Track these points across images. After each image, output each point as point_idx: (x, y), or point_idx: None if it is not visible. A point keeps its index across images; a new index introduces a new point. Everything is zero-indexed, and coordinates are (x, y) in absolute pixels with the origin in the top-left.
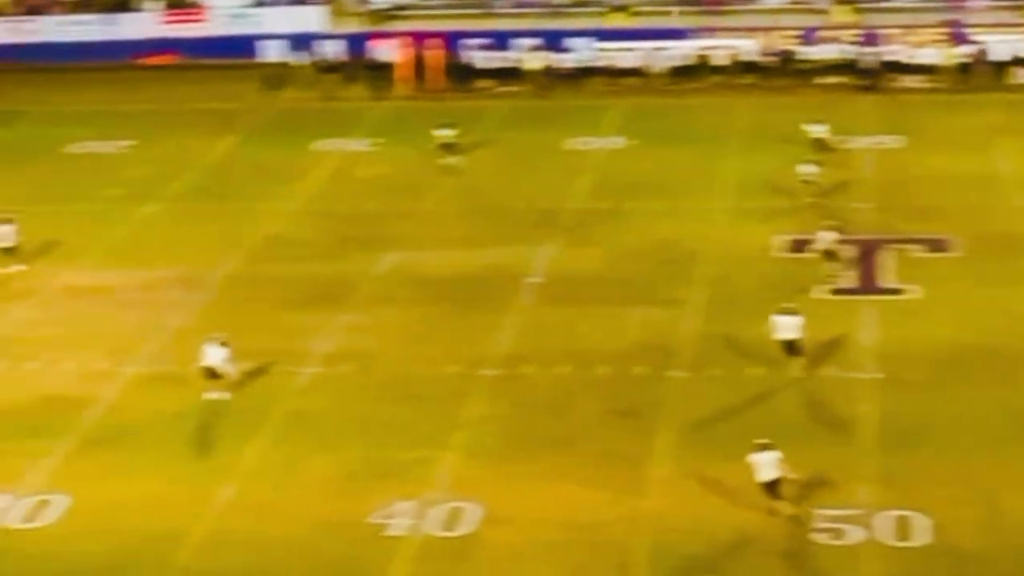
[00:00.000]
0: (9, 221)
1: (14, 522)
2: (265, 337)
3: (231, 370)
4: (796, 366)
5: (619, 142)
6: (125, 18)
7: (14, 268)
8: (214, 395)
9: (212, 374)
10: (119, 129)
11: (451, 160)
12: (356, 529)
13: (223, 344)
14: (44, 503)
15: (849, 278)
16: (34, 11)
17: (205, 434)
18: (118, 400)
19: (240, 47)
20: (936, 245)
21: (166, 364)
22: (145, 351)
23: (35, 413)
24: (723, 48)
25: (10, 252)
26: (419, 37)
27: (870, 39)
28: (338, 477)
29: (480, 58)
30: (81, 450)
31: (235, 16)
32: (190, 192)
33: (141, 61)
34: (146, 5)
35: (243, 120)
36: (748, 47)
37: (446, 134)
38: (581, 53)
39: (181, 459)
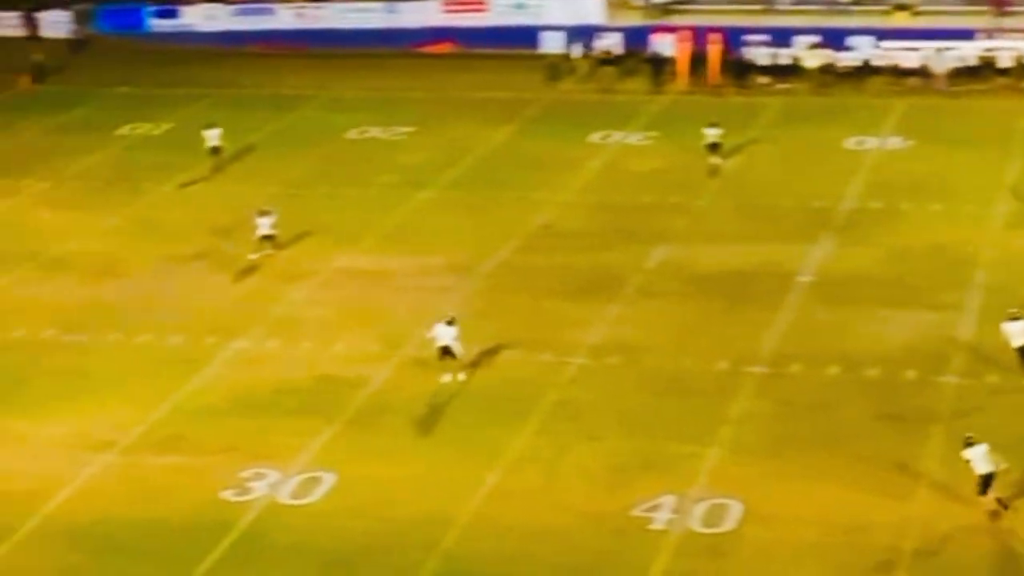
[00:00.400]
0: (267, 213)
1: (284, 498)
2: (534, 326)
3: (460, 349)
4: None
5: (897, 142)
6: (406, 6)
7: (263, 253)
8: (447, 378)
9: (446, 352)
10: (398, 116)
11: (715, 160)
12: (619, 521)
13: (451, 323)
14: (312, 480)
15: None
16: None
17: (435, 414)
18: (387, 383)
19: (519, 37)
20: None
21: (434, 349)
22: (416, 336)
23: (307, 392)
24: (1009, 49)
25: (269, 239)
26: (699, 32)
27: None
28: (602, 468)
29: (759, 54)
30: (350, 430)
31: (515, 6)
32: (466, 180)
33: (421, 49)
34: None
35: (520, 110)
36: None
37: (712, 133)
38: (861, 52)
39: (448, 443)
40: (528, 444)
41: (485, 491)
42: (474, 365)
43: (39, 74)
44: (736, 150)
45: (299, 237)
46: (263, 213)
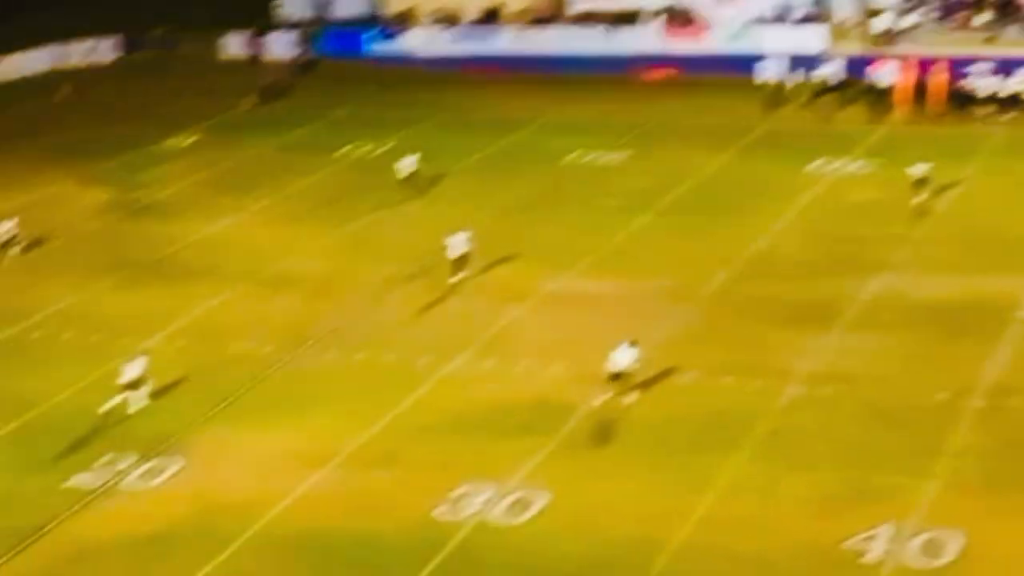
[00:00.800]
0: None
1: (496, 517)
2: (749, 353)
3: (636, 372)
4: None
5: None
6: (627, 32)
7: (460, 276)
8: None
9: (617, 376)
10: (616, 140)
11: (921, 198)
12: (831, 552)
13: (633, 344)
14: (525, 500)
15: None
16: (539, 22)
17: (605, 432)
18: (602, 407)
19: (739, 65)
20: None
21: (651, 374)
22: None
23: (522, 413)
24: None
25: (462, 260)
26: (921, 62)
27: None
28: (816, 498)
29: (982, 85)
30: (563, 452)
31: (735, 34)
32: (684, 205)
33: (640, 74)
34: (646, 20)
35: (738, 137)
36: None
37: (920, 170)
38: None
39: (661, 467)
40: (741, 471)
41: (697, 517)
42: (690, 390)
43: (268, 95)
44: (957, 181)
45: (515, 259)
46: (455, 236)
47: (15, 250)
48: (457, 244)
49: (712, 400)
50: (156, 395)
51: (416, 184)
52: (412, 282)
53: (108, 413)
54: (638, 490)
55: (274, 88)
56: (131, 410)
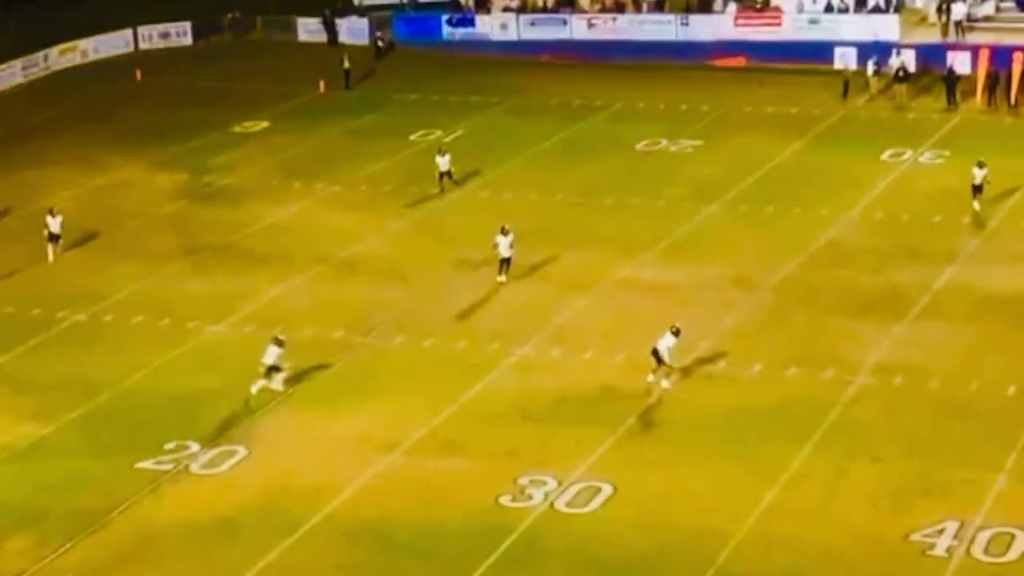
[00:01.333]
0: (506, 232)
1: (561, 505)
2: (817, 343)
3: (671, 359)
4: None
5: None
6: (700, 20)
7: (504, 277)
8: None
9: (657, 358)
10: (688, 129)
11: (977, 206)
12: (897, 545)
13: (675, 333)
14: (590, 489)
15: None
16: (615, 9)
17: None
18: (668, 396)
19: (813, 52)
20: None
21: (717, 364)
22: (697, 349)
23: (589, 401)
24: None
25: (507, 264)
26: (996, 51)
27: None
28: (882, 491)
29: None
30: (629, 441)
31: (810, 22)
32: (754, 194)
33: (713, 62)
34: (720, 8)
35: (811, 126)
36: None
37: (980, 174)
38: None
39: (727, 457)
40: (808, 462)
41: (762, 508)
42: (756, 380)
43: (347, 80)
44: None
45: (583, 247)
46: (504, 232)
47: (54, 249)
48: (504, 245)
49: (779, 390)
50: (224, 382)
51: (447, 183)
52: (481, 268)
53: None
54: (703, 481)
55: (355, 73)
56: (258, 388)
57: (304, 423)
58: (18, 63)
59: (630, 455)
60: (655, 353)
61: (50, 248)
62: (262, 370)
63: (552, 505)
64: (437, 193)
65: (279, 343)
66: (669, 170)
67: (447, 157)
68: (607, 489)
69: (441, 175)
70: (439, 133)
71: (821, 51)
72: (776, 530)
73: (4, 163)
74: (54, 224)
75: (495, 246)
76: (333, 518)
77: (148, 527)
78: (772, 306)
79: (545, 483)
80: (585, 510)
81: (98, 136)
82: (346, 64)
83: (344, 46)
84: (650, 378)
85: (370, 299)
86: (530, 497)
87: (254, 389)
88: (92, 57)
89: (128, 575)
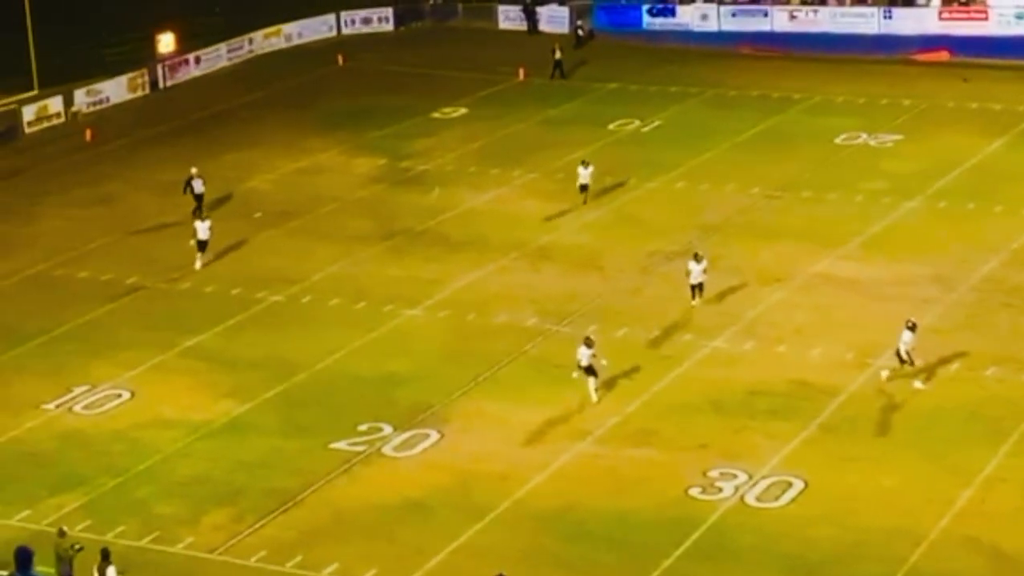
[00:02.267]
0: (698, 258)
1: (751, 499)
2: (1017, 344)
3: (911, 357)
4: None
5: None
6: (903, 13)
7: (697, 302)
8: (917, 384)
9: (900, 359)
10: (887, 123)
11: None
12: None
13: (911, 328)
14: (781, 484)
15: None
16: (817, 1)
17: (909, 426)
18: (861, 391)
19: (1019, 48)
20: None
21: (916, 361)
22: (893, 346)
23: (781, 396)
24: None
25: (699, 290)
26: None
27: None
28: None
29: None
30: (822, 437)
31: (1017, 16)
32: (954, 191)
33: (915, 56)
34: (924, 1)
35: (1015, 123)
36: None
37: None
38: None
39: (921, 456)
40: (1005, 463)
41: (957, 508)
42: (953, 380)
43: (559, 70)
44: None
45: (779, 239)
46: (697, 259)
47: (202, 258)
48: (697, 271)
49: (977, 389)
50: (418, 366)
51: (586, 194)
52: (674, 260)
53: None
54: (896, 479)
55: (563, 63)
56: (594, 398)
57: (496, 409)
58: (223, 46)
59: (822, 451)
60: (897, 354)
61: (199, 258)
62: (576, 375)
63: (742, 499)
64: (580, 205)
65: (589, 343)
66: (868, 164)
67: (590, 170)
68: (798, 484)
69: (582, 187)
70: (637, 123)
71: None
72: (970, 532)
73: (209, 145)
74: (203, 229)
75: (687, 273)
76: (523, 504)
77: (340, 507)
78: (971, 305)
79: (735, 476)
80: (775, 505)
81: (299, 120)
82: (557, 54)
83: (555, 36)
84: (884, 374)
85: (564, 287)
86: (720, 490)
87: (575, 374)
88: (295, 41)
89: (318, 553)
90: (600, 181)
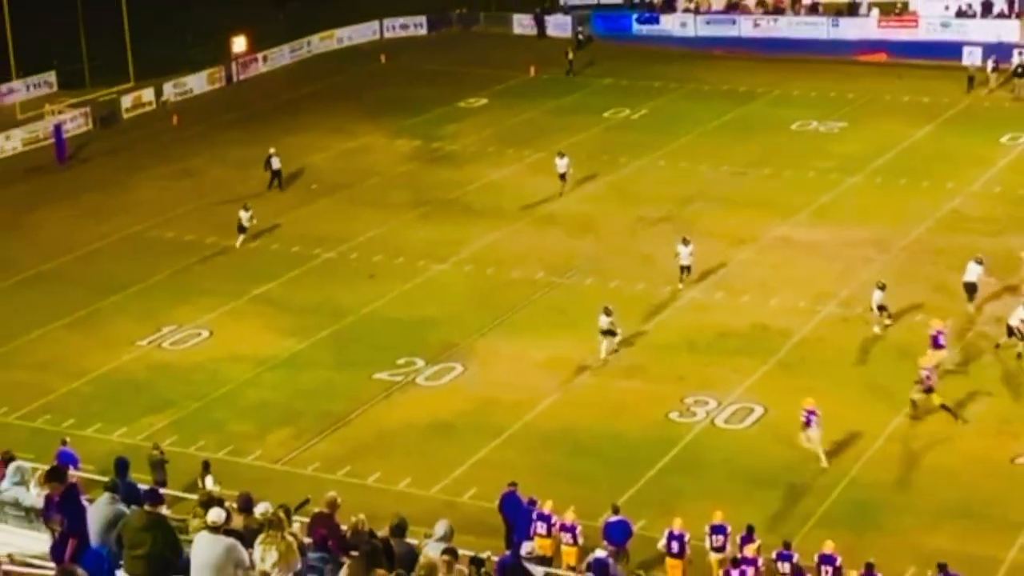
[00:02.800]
0: (686, 242)
1: (720, 422)
2: (940, 295)
3: (879, 315)
4: None
5: None
6: (847, 21)
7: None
8: (876, 330)
9: (882, 309)
10: (835, 113)
11: None
12: (1004, 467)
13: (881, 288)
14: (744, 410)
15: None
16: (776, 12)
17: (850, 362)
18: (812, 333)
19: (943, 51)
20: None
21: (854, 309)
22: (838, 296)
23: (745, 337)
24: None
25: (687, 271)
26: None
27: None
28: (994, 421)
29: None
30: (778, 371)
31: (942, 24)
32: (889, 169)
33: (857, 58)
34: (865, 12)
35: (940, 113)
36: None
37: None
38: None
39: (859, 387)
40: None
41: (888, 431)
42: (890, 324)
43: (571, 68)
44: None
45: (745, 208)
46: (685, 242)
47: (242, 238)
48: (684, 253)
49: (906, 333)
50: (446, 311)
51: (565, 183)
52: (660, 224)
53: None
54: (839, 407)
55: (577, 63)
56: (602, 355)
57: (511, 347)
58: (286, 47)
59: (779, 383)
60: (881, 308)
61: (240, 237)
62: (603, 329)
63: (712, 422)
64: (557, 195)
65: (608, 312)
66: (818, 147)
67: (566, 160)
68: (759, 410)
69: (561, 175)
70: (627, 112)
71: (951, 50)
72: (898, 450)
73: (273, 130)
74: (245, 218)
75: (676, 255)
76: (532, 425)
77: (381, 427)
78: (903, 263)
79: (707, 403)
80: (740, 427)
81: (348, 108)
82: (570, 56)
83: (566, 40)
84: (876, 330)
85: (567, 248)
86: (694, 414)
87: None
88: (345, 43)
89: (363, 464)
90: (596, 159)
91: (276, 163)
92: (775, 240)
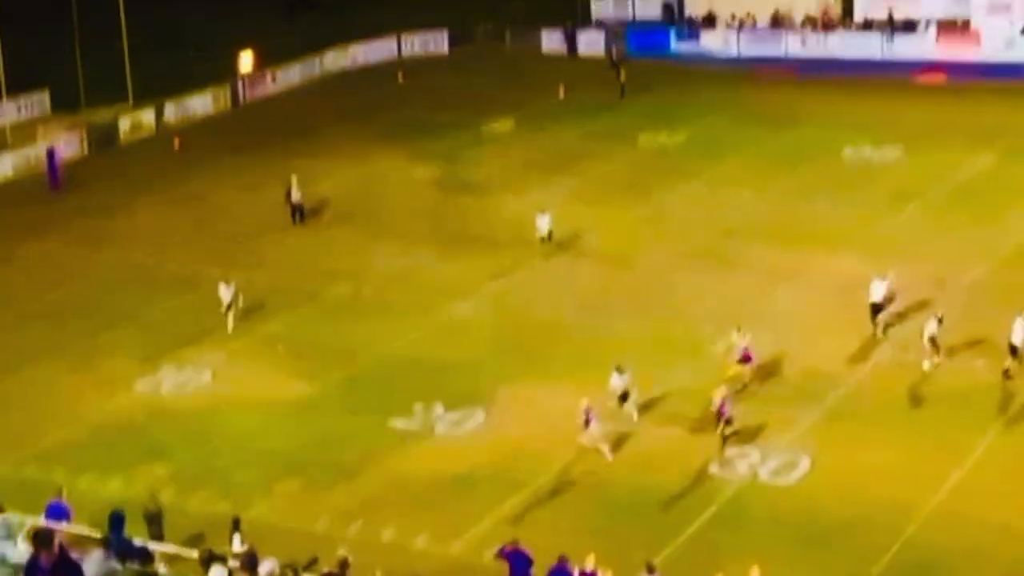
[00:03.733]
0: (883, 276)
1: (764, 476)
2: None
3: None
4: None
5: None
6: (903, 39)
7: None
8: (925, 365)
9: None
10: (890, 137)
11: None
12: None
13: (939, 320)
14: (791, 462)
15: None
16: (825, 28)
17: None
18: (866, 378)
19: (1007, 72)
20: None
21: (909, 353)
22: (892, 339)
23: (791, 382)
24: None
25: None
26: None
27: None
28: None
29: None
30: (828, 419)
31: (1006, 43)
32: (948, 199)
33: (914, 78)
34: (923, 28)
35: (1002, 138)
36: None
37: None
38: None
39: (919, 437)
40: (993, 445)
41: (949, 486)
42: (946, 369)
43: (622, 90)
44: None
45: (791, 241)
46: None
47: (232, 314)
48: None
49: (967, 379)
50: (467, 353)
51: (549, 242)
52: (701, 258)
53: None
54: (896, 458)
55: (625, 86)
56: (634, 417)
57: (537, 393)
58: (297, 66)
59: (828, 433)
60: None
61: (228, 317)
62: (618, 394)
63: (756, 475)
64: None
65: (620, 370)
66: (871, 175)
67: (547, 217)
68: (805, 463)
69: (544, 236)
70: (664, 136)
71: (1016, 71)
72: (961, 507)
73: (282, 154)
74: (227, 295)
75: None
76: (560, 477)
77: (396, 478)
78: (964, 303)
79: (749, 455)
80: (786, 481)
81: (363, 131)
82: (622, 78)
83: (617, 59)
84: (925, 365)
85: (598, 283)
86: (736, 467)
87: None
88: (361, 61)
89: (376, 520)
90: (631, 187)
91: (296, 196)
92: (825, 275)
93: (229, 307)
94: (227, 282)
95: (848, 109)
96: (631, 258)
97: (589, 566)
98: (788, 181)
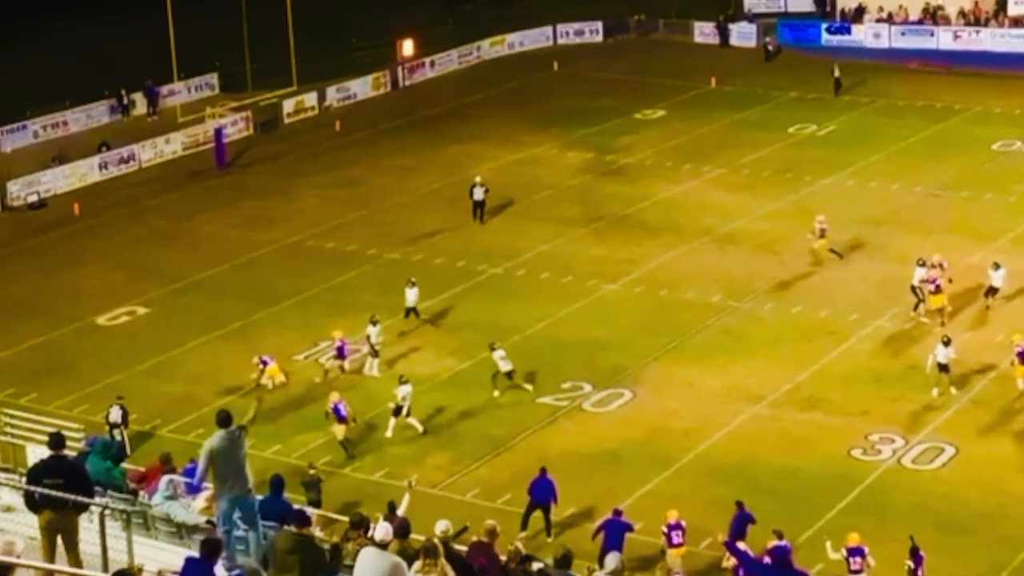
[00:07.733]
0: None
1: (907, 462)
2: None
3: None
4: None
5: None
6: None
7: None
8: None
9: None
10: None
11: None
12: None
13: (947, 344)
14: (934, 449)
15: None
16: (977, 23)
17: None
18: (1008, 370)
19: None
20: None
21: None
22: None
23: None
24: None
25: (994, 291)
26: None
27: None
28: None
29: None
30: (971, 409)
31: None
32: None
33: None
34: None
35: None
36: None
37: None
38: None
39: None
40: None
41: None
42: None
43: (836, 88)
44: None
45: (938, 233)
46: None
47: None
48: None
49: None
50: (615, 333)
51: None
52: (846, 247)
53: None
54: None
55: (841, 80)
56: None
57: (682, 373)
58: (455, 52)
59: (972, 421)
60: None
61: (373, 362)
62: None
63: (899, 461)
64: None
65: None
66: (1021, 169)
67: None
68: (949, 450)
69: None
70: (814, 127)
71: None
72: None
73: (439, 137)
74: (374, 334)
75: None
76: (704, 457)
77: (544, 453)
78: None
79: (893, 440)
80: (929, 468)
81: (518, 117)
82: (836, 73)
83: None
84: (934, 392)
85: (747, 268)
86: (879, 452)
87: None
88: (517, 49)
89: (524, 492)
90: (780, 176)
91: (479, 193)
92: (971, 268)
93: (376, 353)
94: (374, 322)
95: (999, 103)
96: (777, 245)
97: (672, 519)
98: (937, 173)
